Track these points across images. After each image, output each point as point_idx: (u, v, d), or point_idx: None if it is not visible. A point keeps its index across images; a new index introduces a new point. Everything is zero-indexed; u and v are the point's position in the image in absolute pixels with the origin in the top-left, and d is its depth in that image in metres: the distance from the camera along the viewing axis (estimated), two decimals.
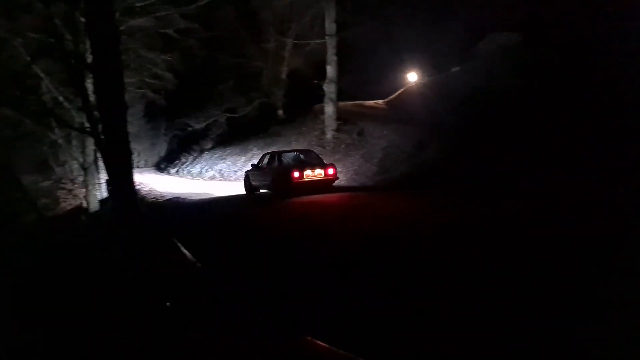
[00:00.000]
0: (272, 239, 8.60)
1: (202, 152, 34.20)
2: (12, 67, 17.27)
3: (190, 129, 33.64)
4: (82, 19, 14.36)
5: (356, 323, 4.13)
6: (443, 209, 9.39)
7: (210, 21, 25.86)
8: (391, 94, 31.26)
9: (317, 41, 26.28)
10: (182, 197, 18.02)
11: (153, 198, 19.37)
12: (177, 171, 34.03)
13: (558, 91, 14.46)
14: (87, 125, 15.33)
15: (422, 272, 5.44)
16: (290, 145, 24.28)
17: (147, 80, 24.32)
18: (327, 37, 22.03)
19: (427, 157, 15.32)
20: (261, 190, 15.07)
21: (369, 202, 11.92)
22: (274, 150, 17.89)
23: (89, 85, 14.42)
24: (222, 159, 29.17)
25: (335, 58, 21.89)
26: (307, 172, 13.22)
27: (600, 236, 5.95)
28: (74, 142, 22.02)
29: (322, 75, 22.64)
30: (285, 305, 4.91)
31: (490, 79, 18.63)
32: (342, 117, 23.01)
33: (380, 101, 30.64)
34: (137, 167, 44.14)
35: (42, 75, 18.15)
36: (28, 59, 17.01)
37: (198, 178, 28.87)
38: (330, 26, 21.79)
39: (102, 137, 10.52)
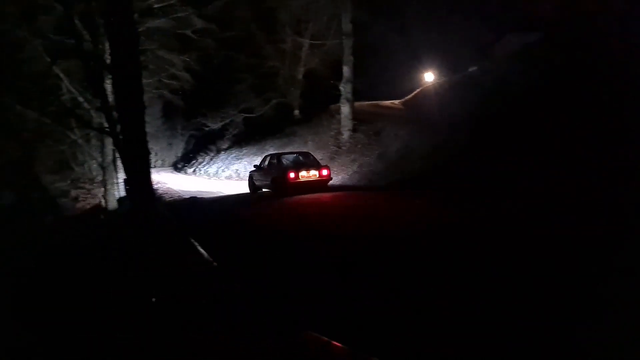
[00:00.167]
0: (267, 235, 9.20)
1: (218, 151, 34.39)
2: (33, 68, 17.54)
3: (207, 129, 33.81)
4: (102, 21, 14.54)
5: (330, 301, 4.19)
6: (430, 208, 9.83)
7: (227, 22, 26.00)
8: (408, 94, 31.10)
9: (333, 41, 26.30)
10: (198, 196, 18.30)
11: (170, 197, 19.74)
12: (194, 171, 34.27)
13: (560, 91, 14.34)
14: (106, 125, 15.53)
15: (400, 270, 5.57)
16: (307, 145, 24.31)
17: (164, 80, 24.54)
18: (343, 37, 22.01)
19: (443, 158, 15.22)
20: (263, 190, 15.98)
21: (358, 201, 12.35)
22: (277, 151, 18.87)
23: (108, 86, 14.60)
24: (238, 159, 29.31)
25: (351, 58, 21.86)
26: (303, 173, 14.21)
27: (600, 236, 5.95)
28: (93, 142, 22.29)
29: (339, 75, 22.61)
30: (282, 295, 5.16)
31: (505, 80, 18.43)
32: (359, 117, 22.96)
33: (396, 101, 30.51)
34: (155, 166, 44.50)
35: (62, 76, 18.42)
36: (48, 60, 17.28)
37: (215, 178, 29.05)
38: (346, 26, 21.76)
39: (121, 137, 10.64)
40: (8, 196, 14.87)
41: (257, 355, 3.82)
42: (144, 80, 16.27)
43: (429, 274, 5.35)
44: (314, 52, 29.63)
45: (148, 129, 10.78)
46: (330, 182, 15.22)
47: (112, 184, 20.39)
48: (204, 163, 34.23)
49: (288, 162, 15.47)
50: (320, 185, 14.35)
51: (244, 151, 30.03)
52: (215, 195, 18.63)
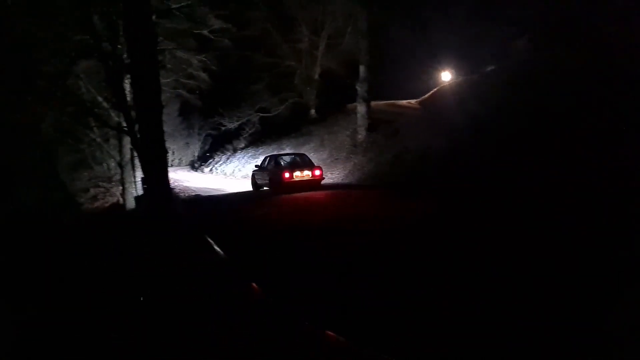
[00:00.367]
0: (261, 223, 10.72)
1: (235, 151, 34.54)
2: (53, 68, 17.75)
3: (223, 128, 33.96)
4: (120, 21, 14.68)
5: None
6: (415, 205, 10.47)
7: (244, 21, 26.10)
8: (425, 94, 30.95)
9: (350, 40, 26.24)
10: (203, 194, 19.84)
11: (186, 195, 20.05)
12: (211, 170, 34.46)
13: (563, 92, 14.29)
14: (124, 124, 15.70)
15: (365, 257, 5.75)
16: (323, 145, 24.34)
17: (182, 80, 24.71)
18: (360, 37, 21.96)
19: (459, 158, 15.14)
20: (264, 188, 17.28)
21: (344, 199, 13.62)
22: (274, 153, 20.59)
23: (127, 85, 14.74)
24: (254, 158, 29.41)
25: (368, 57, 21.79)
26: (297, 173, 15.51)
27: (599, 236, 5.98)
28: (111, 141, 22.53)
29: (355, 74, 22.57)
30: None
31: (521, 80, 18.24)
32: (375, 117, 22.89)
33: (413, 101, 30.38)
34: (172, 165, 44.95)
35: (81, 75, 18.63)
36: (68, 59, 17.47)
37: (231, 177, 29.19)
38: (363, 25, 21.70)
39: (139, 136, 10.74)
40: (26, 195, 15.09)
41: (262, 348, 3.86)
42: (162, 80, 16.39)
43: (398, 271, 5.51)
44: (331, 51, 29.62)
45: (165, 128, 10.87)
46: (344, 181, 16.54)
47: (130, 182, 20.58)
48: (221, 162, 34.40)
49: (284, 162, 16.99)
50: (312, 184, 15.57)
51: (260, 150, 30.12)
52: (224, 193, 20.34)
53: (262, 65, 30.08)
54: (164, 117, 10.70)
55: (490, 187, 11.24)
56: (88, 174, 26.89)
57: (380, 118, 23.17)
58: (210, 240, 8.38)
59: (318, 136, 26.41)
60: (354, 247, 7.16)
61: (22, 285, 6.55)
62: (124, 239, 10.43)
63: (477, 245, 6.55)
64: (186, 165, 45.61)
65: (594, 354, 3.23)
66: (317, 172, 15.86)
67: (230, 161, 32.90)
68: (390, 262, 6.15)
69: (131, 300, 5.54)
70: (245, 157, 30.93)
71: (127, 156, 20.18)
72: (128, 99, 14.86)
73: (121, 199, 21.40)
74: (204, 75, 24.62)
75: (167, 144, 10.61)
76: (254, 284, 5.49)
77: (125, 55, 15.05)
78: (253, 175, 18.34)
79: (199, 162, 41.53)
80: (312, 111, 31.14)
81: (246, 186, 21.78)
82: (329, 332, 3.82)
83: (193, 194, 21.35)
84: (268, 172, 16.63)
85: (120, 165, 20.68)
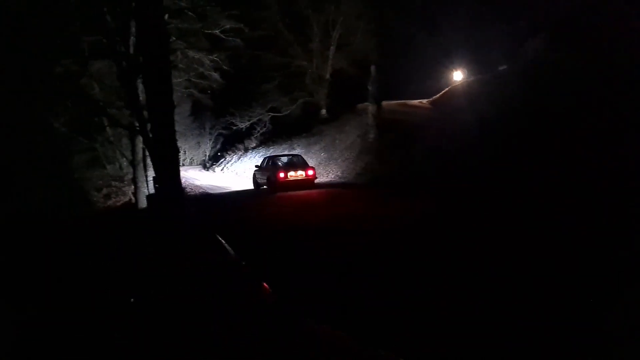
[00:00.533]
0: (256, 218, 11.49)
1: (246, 150, 34.66)
2: (66, 68, 17.92)
3: (235, 127, 34.10)
4: (133, 21, 14.79)
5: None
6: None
7: (255, 21, 26.15)
8: (436, 93, 30.85)
9: (361, 40, 26.20)
10: (212, 192, 20.88)
11: (193, 193, 20.37)
12: (222, 169, 34.62)
13: (565, 92, 14.26)
14: (136, 124, 15.81)
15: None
16: (334, 144, 24.34)
17: (194, 80, 24.80)
18: (371, 37, 21.93)
19: (468, 159, 15.10)
20: (264, 186, 18.38)
21: (344, 199, 14.05)
22: (272, 154, 22.55)
23: (139, 85, 14.84)
24: None
25: (379, 57, 21.77)
26: (291, 173, 16.72)
27: (599, 236, 6.01)
28: (124, 141, 22.70)
29: (366, 74, 22.55)
30: None
31: (532, 80, 18.13)
32: (386, 117, 22.85)
33: (424, 100, 30.28)
34: (183, 165, 45.28)
35: (95, 75, 18.79)
36: (81, 60, 17.63)
37: (243, 176, 29.29)
38: (373, 25, 21.68)
39: (151, 135, 10.80)
40: (28, 194, 15.25)
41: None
42: (174, 80, 16.53)
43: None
44: (342, 51, 29.59)
45: (177, 127, 10.93)
46: (355, 182, 17.15)
47: (142, 181, 20.71)
48: (232, 161, 34.54)
49: (281, 163, 18.31)
50: (306, 183, 16.81)
51: (271, 150, 30.19)
52: (227, 191, 21.78)
53: (273, 64, 30.12)
54: (176, 117, 10.75)
55: (490, 187, 11.37)
56: (101, 173, 27.12)
57: (392, 118, 23.12)
58: (222, 240, 8.42)
59: (329, 136, 26.41)
60: (354, 247, 7.19)
61: (22, 285, 6.58)
62: (128, 239, 10.47)
63: (477, 245, 6.57)
64: (198, 165, 45.85)
65: (594, 354, 3.24)
66: (310, 172, 17.09)
67: (241, 160, 33.01)
68: (390, 262, 6.16)
69: (132, 300, 5.56)
70: (257, 157, 31.01)
71: (139, 155, 20.32)
72: (140, 98, 14.97)
73: (133, 198, 21.54)
74: (215, 75, 24.70)
75: (179, 144, 10.70)
76: (265, 284, 5.51)
77: (137, 55, 15.18)
78: (254, 175, 19.64)
79: (210, 162, 41.75)
80: (323, 111, 31.13)
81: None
82: (336, 331, 3.85)
83: (200, 191, 22.58)
84: (266, 172, 17.96)
85: (133, 164, 20.82)
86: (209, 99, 29.56)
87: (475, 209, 9.55)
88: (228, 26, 22.31)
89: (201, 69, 23.78)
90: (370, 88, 22.16)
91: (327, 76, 30.48)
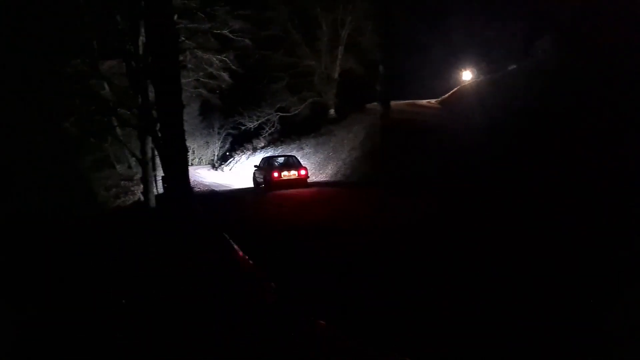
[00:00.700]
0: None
1: (255, 150, 34.70)
2: (77, 68, 18.01)
3: (243, 127, 34.14)
4: (142, 21, 14.84)
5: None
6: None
7: (264, 21, 26.20)
8: (445, 93, 30.74)
9: (370, 40, 26.16)
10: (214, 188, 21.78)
11: (202, 191, 20.61)
12: (231, 169, 34.68)
13: (566, 92, 14.22)
14: (145, 123, 15.87)
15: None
16: (342, 144, 24.31)
17: (202, 79, 24.87)
18: (380, 36, 21.89)
19: (473, 159, 15.06)
20: (262, 185, 19.28)
21: (344, 199, 14.38)
22: (269, 155, 24.71)
23: (149, 85, 14.89)
24: None
25: (388, 57, 21.71)
26: (284, 173, 17.96)
27: (599, 236, 6.02)
28: (133, 140, 22.78)
29: (375, 74, 22.50)
30: None
31: (540, 79, 18.03)
32: (395, 117, 22.77)
33: (433, 100, 30.19)
34: (192, 164, 45.46)
35: (105, 75, 18.87)
36: (91, 60, 17.71)
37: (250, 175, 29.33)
38: (383, 25, 21.63)
39: (160, 135, 10.85)
40: (28, 194, 15.33)
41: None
42: (183, 80, 16.57)
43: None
44: (350, 51, 29.55)
45: (186, 127, 10.97)
46: (357, 181, 17.94)
47: (151, 181, 20.79)
48: (241, 161, 34.61)
49: (276, 164, 19.51)
50: (298, 182, 17.93)
51: (280, 150, 30.20)
52: (230, 189, 23.03)
53: (282, 64, 30.12)
54: (185, 116, 10.79)
55: (491, 187, 11.38)
56: (110, 172, 27.26)
57: (400, 118, 23.03)
58: (230, 239, 8.43)
59: (337, 136, 26.37)
60: (354, 247, 7.19)
61: (22, 285, 6.59)
62: (130, 238, 10.46)
63: (477, 245, 6.58)
64: (206, 165, 45.99)
65: (594, 354, 3.24)
66: (303, 172, 18.31)
67: (249, 160, 33.06)
68: (390, 261, 6.16)
69: (133, 300, 5.56)
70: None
71: (149, 155, 20.39)
72: (150, 98, 15.02)
73: (142, 198, 21.63)
74: (224, 74, 24.76)
75: (188, 143, 10.74)
76: (272, 283, 5.52)
77: (146, 55, 15.23)
78: (254, 174, 20.84)
79: (219, 162, 41.86)
80: (332, 111, 31.09)
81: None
82: (336, 331, 3.87)
83: (206, 188, 23.58)
84: (263, 171, 19.21)
85: (142, 163, 20.90)
86: (217, 98, 29.62)
87: (476, 208, 9.59)
88: (237, 26, 22.36)
89: (210, 69, 23.85)
90: (378, 88, 22.11)
91: (336, 76, 30.43)
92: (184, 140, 10.24)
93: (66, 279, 6.84)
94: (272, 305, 4.92)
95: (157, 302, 5.40)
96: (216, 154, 46.58)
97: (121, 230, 12.87)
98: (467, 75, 32.38)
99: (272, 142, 33.74)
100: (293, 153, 28.19)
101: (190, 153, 44.95)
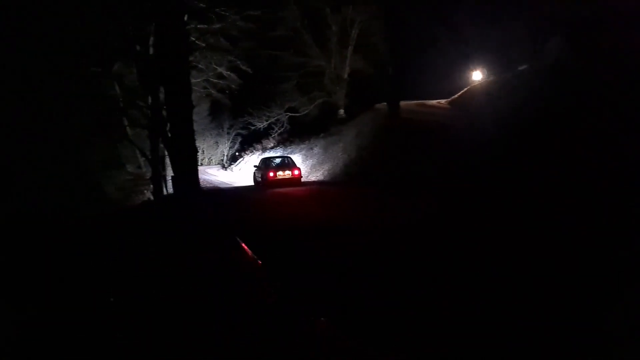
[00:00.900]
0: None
1: (264, 150, 34.75)
2: (89, 69, 18.14)
3: (253, 127, 34.19)
4: (153, 23, 14.90)
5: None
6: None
7: (273, 21, 26.24)
8: (455, 93, 30.58)
9: (379, 40, 26.09)
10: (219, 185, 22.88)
11: (209, 188, 21.11)
12: (240, 169, 34.77)
13: (568, 92, 14.15)
14: (155, 123, 15.94)
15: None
16: (351, 144, 24.30)
17: (212, 80, 24.95)
18: (389, 36, 21.84)
19: (477, 159, 15.01)
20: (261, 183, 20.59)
21: (344, 199, 14.59)
22: (267, 156, 26.99)
23: (159, 85, 14.94)
24: None
25: (397, 57, 21.67)
26: (279, 173, 19.46)
27: (599, 236, 6.04)
28: (143, 140, 22.89)
29: (384, 74, 22.45)
30: None
31: (552, 81, 17.90)
32: (404, 117, 22.73)
33: (443, 101, 30.04)
34: (201, 164, 45.60)
35: (115, 75, 19.00)
36: (101, 61, 17.83)
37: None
38: (392, 25, 21.57)
39: (170, 135, 10.90)
40: (29, 194, 15.38)
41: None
42: (193, 80, 16.63)
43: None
44: (360, 51, 29.51)
45: (195, 127, 11.03)
46: (365, 181, 18.50)
47: (161, 180, 20.90)
48: (250, 161, 34.68)
49: (273, 164, 20.98)
50: (292, 181, 19.35)
51: (289, 150, 30.22)
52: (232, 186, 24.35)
53: (292, 64, 30.13)
54: (194, 117, 10.85)
55: (491, 187, 11.41)
56: (119, 172, 27.37)
57: (410, 118, 22.98)
58: (238, 239, 8.43)
59: (347, 136, 26.33)
60: (354, 247, 7.20)
61: (22, 285, 6.61)
62: (132, 239, 10.46)
63: (477, 245, 6.60)
64: (215, 164, 46.12)
65: (594, 354, 3.24)
66: (296, 172, 19.90)
67: (259, 159, 33.12)
68: (390, 261, 6.17)
69: (133, 300, 5.58)
70: None
71: (159, 154, 20.50)
72: (160, 98, 15.09)
73: (152, 197, 21.74)
74: (233, 75, 24.82)
75: (197, 143, 10.79)
76: (272, 283, 5.54)
77: (156, 55, 15.29)
78: (254, 173, 22.37)
79: (229, 162, 41.98)
80: (341, 111, 31.05)
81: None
82: (336, 331, 3.87)
83: (212, 186, 24.82)
84: (261, 171, 20.70)
85: (152, 163, 21.01)
86: (227, 98, 29.67)
87: (476, 208, 9.64)
88: (247, 26, 22.40)
89: (219, 69, 23.91)
90: (387, 88, 22.07)
91: (345, 76, 30.40)
92: (194, 140, 10.31)
93: (66, 279, 6.87)
94: (272, 305, 4.92)
95: (157, 302, 5.41)
96: (225, 153, 46.66)
97: (122, 230, 12.87)
98: (477, 75, 32.16)
99: (281, 142, 33.76)
100: (303, 153, 28.34)
101: (200, 153, 45.08)
